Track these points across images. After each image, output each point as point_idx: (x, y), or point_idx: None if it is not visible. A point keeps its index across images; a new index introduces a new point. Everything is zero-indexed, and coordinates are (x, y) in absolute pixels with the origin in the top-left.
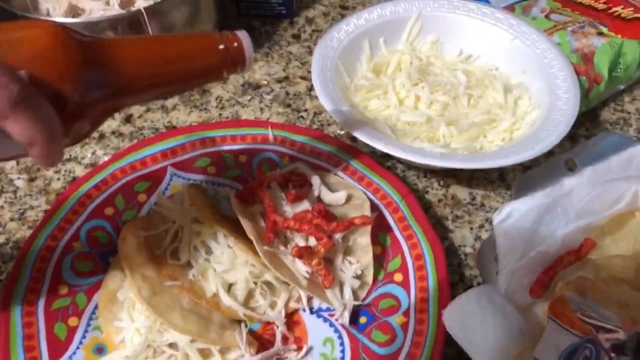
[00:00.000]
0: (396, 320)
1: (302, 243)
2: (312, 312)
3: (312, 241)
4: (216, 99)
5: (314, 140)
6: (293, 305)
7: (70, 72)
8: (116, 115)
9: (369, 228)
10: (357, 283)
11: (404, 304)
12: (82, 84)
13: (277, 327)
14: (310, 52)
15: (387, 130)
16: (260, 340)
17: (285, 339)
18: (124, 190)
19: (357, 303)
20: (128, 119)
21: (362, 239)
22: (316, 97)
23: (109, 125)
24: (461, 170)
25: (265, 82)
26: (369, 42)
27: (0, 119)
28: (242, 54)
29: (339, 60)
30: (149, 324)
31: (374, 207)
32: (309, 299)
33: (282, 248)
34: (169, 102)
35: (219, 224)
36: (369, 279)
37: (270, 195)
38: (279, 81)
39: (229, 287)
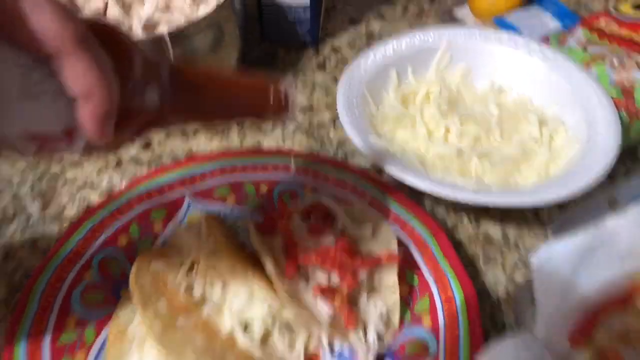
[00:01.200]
0: None
1: (324, 278)
2: (333, 355)
3: (335, 277)
4: (238, 126)
5: (337, 170)
6: (313, 346)
7: (129, 67)
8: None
9: (395, 266)
10: (382, 325)
11: (433, 349)
12: (137, 87)
13: None
14: (335, 82)
15: (416, 163)
16: None
17: None
18: (139, 218)
19: (382, 347)
20: (147, 146)
21: (389, 278)
22: (341, 127)
23: (127, 151)
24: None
25: None
26: (396, 72)
27: (62, 55)
28: (288, 105)
29: (366, 88)
30: None
31: (401, 242)
32: (331, 341)
33: (302, 284)
34: (190, 129)
35: (236, 257)
36: (395, 321)
37: (292, 229)
38: (303, 111)
39: (245, 326)
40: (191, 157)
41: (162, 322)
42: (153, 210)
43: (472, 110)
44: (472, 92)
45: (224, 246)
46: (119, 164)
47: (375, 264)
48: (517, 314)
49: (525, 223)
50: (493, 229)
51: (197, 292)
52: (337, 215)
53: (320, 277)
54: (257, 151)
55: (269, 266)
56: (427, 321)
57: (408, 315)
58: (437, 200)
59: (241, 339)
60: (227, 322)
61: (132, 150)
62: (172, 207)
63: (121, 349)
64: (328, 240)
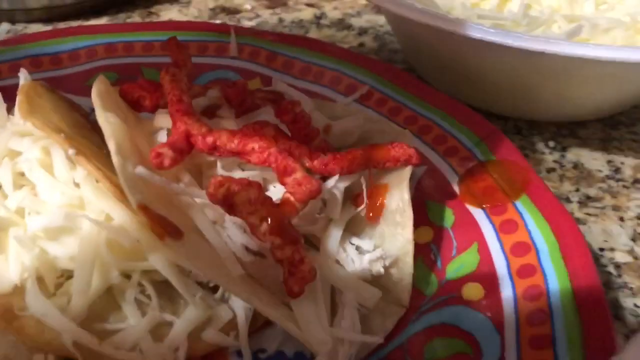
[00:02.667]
0: None
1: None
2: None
3: (270, 178)
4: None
5: (310, 53)
6: (212, 336)
7: None
8: None
9: (407, 174)
10: (373, 294)
11: (489, 350)
12: None
13: None
14: None
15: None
16: None
17: None
18: None
19: (370, 340)
20: None
21: (393, 199)
22: (327, 26)
23: None
24: (584, 124)
25: (249, 7)
26: None
27: None
28: None
29: None
30: None
31: (420, 154)
32: (255, 326)
33: (191, 188)
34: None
35: (72, 145)
36: (404, 289)
37: (186, 88)
38: (271, 7)
39: (63, 279)
40: (56, 30)
41: None
42: None
43: None
44: None
45: (47, 124)
46: None
47: (362, 162)
48: None
49: None
50: (591, 159)
51: None
52: (302, 103)
53: (237, 174)
54: (172, 24)
55: (112, 133)
56: (474, 293)
57: (433, 282)
58: (487, 111)
59: (35, 304)
60: (12, 266)
61: None
62: (7, 100)
63: None
64: (267, 117)
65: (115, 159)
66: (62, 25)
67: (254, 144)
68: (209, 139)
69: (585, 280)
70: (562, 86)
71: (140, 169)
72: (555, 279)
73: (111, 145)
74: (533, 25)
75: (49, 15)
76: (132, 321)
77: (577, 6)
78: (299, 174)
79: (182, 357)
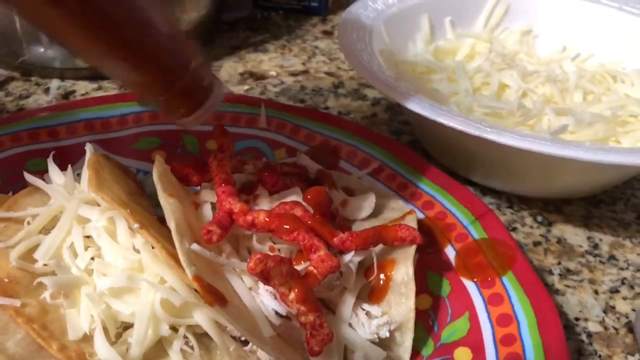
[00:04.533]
0: None
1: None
2: None
3: (297, 254)
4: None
5: (329, 128)
6: None
7: None
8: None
9: (412, 252)
10: (379, 354)
11: None
12: None
13: None
14: None
15: (456, 109)
16: None
17: None
18: (6, 165)
19: None
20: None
21: (399, 272)
22: (344, 95)
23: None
24: (569, 201)
25: (274, 74)
26: (429, 19)
27: None
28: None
29: (384, 26)
30: None
31: (423, 229)
32: None
33: (232, 259)
34: None
35: (132, 217)
36: (405, 350)
37: (230, 171)
38: (294, 74)
39: (121, 330)
40: (107, 95)
41: None
42: (32, 158)
43: (539, 69)
44: (535, 59)
45: (114, 198)
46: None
47: (375, 242)
48: None
49: (623, 229)
50: (573, 235)
51: (40, 256)
52: (319, 179)
53: (269, 250)
54: None
55: (172, 214)
56: (464, 356)
57: (430, 346)
58: (482, 188)
59: (102, 352)
60: (82, 317)
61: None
62: (65, 158)
63: None
64: (295, 197)
65: (175, 237)
66: (106, 83)
67: (286, 224)
68: (249, 218)
69: (556, 352)
70: (547, 172)
71: (195, 246)
72: (531, 348)
73: (171, 225)
74: (526, 117)
75: (94, 74)
76: None
77: (567, 96)
78: (322, 252)
79: None
